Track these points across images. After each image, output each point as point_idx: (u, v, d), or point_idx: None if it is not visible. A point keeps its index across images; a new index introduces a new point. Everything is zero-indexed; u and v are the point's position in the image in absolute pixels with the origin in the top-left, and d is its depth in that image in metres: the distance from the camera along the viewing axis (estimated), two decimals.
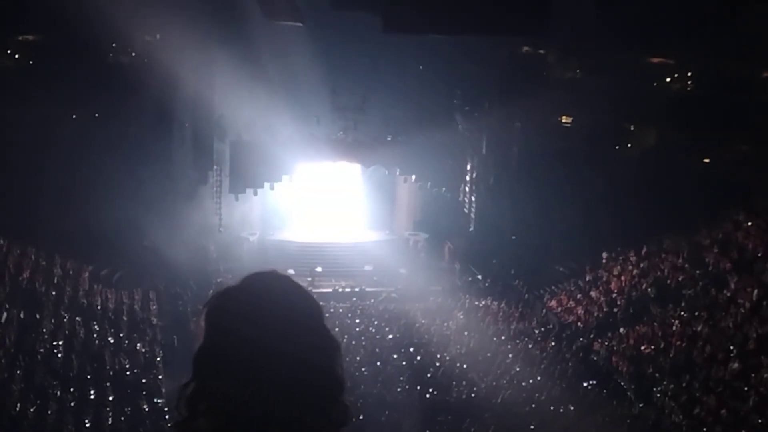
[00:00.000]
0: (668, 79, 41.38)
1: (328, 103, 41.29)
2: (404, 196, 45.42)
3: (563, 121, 44.66)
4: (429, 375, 29.93)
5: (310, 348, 2.31)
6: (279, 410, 2.25)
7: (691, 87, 40.77)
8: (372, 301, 38.11)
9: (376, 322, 35.16)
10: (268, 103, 40.02)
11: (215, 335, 2.31)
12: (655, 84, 41.03)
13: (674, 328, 30.38)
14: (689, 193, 35.67)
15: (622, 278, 35.71)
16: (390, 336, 33.73)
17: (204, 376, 2.30)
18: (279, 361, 2.25)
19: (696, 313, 30.43)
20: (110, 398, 26.26)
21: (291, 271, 38.64)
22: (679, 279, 33.34)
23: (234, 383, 2.25)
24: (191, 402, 2.29)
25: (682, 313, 31.02)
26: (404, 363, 31.01)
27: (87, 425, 24.79)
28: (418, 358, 31.62)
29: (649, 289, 33.98)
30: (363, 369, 30.00)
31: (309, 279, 39.78)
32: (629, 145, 42.88)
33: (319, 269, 40.57)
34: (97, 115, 40.28)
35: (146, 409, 26.24)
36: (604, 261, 37.49)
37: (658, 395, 27.33)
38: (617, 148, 42.60)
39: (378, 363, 30.60)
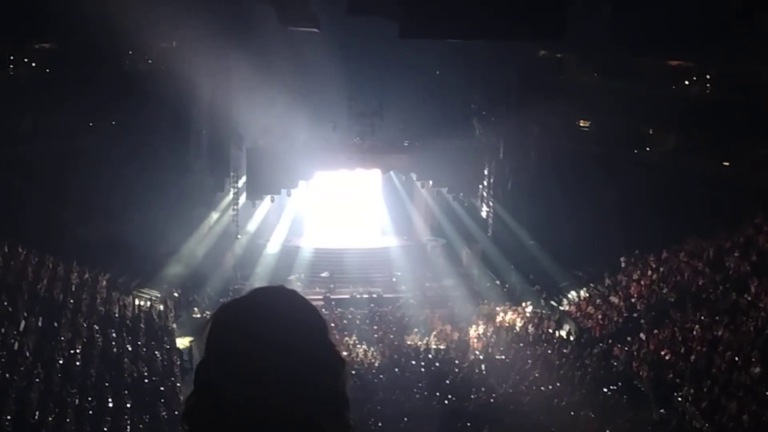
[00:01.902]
0: (687, 83, 41.05)
1: (344, 109, 41.20)
2: (421, 202, 45.29)
3: (581, 125, 44.44)
4: (447, 381, 29.82)
5: (313, 364, 2.23)
6: (281, 428, 2.19)
7: (710, 90, 40.42)
8: (390, 307, 38.01)
9: (394, 329, 35.07)
10: (285, 110, 40.05)
11: (216, 350, 2.25)
12: (673, 87, 40.70)
13: (695, 332, 30.17)
14: (709, 196, 35.43)
15: (642, 283, 35.51)
16: (408, 342, 33.65)
17: (204, 390, 2.25)
18: (281, 377, 2.18)
19: (717, 318, 30.20)
20: (128, 406, 26.27)
21: (297, 283, 38.92)
22: (700, 283, 33.13)
23: (234, 398, 2.19)
24: (192, 416, 2.25)
25: (703, 317, 30.80)
26: (422, 369, 30.94)
27: None
28: (437, 364, 31.53)
29: (669, 294, 33.78)
30: (381, 375, 29.96)
31: (331, 286, 39.84)
32: (648, 149, 42.59)
33: (325, 274, 40.58)
34: (114, 122, 40.39)
35: (165, 417, 26.23)
36: (623, 265, 37.28)
37: (679, 400, 27.16)
38: (635, 152, 42.31)
39: (396, 369, 30.52)
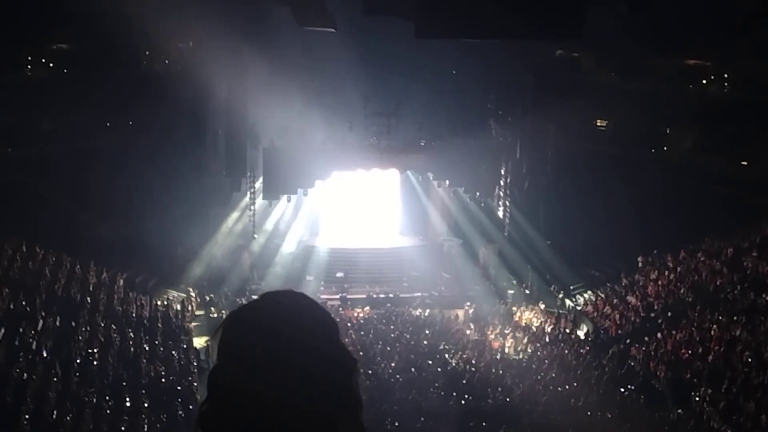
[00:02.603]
0: (704, 82, 40.95)
1: (360, 109, 41.15)
2: (438, 201, 45.22)
3: (598, 124, 44.36)
4: (464, 381, 29.76)
5: (326, 364, 2.24)
6: (297, 429, 2.19)
7: (727, 89, 40.30)
8: (407, 307, 38.00)
9: (411, 328, 35.06)
10: (301, 110, 40.11)
11: (229, 355, 2.26)
12: (690, 87, 40.62)
13: (712, 332, 30.04)
14: (726, 196, 35.33)
15: (659, 282, 35.38)
16: (425, 342, 33.62)
17: (217, 396, 2.25)
18: (295, 379, 2.19)
19: (735, 317, 30.09)
20: (145, 405, 26.34)
21: (313, 282, 39.02)
22: (717, 283, 33.02)
23: (250, 402, 2.20)
24: (207, 421, 2.25)
25: (721, 317, 30.68)
26: (439, 369, 30.89)
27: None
28: (453, 363, 31.48)
29: (687, 294, 33.66)
30: (398, 375, 29.94)
31: (347, 285, 39.88)
32: (665, 149, 42.47)
33: (340, 274, 40.62)
34: (131, 123, 40.57)
35: (181, 416, 26.30)
36: (640, 265, 37.19)
37: (697, 400, 27.02)
38: (653, 151, 42.20)
39: (413, 369, 30.50)
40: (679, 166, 39.41)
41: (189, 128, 39.34)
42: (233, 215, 42.47)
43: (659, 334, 31.64)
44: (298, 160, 39.62)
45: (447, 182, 43.62)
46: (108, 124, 40.72)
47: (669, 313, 32.99)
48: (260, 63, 37.27)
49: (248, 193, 41.80)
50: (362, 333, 34.20)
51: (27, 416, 23.85)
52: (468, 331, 35.42)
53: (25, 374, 25.71)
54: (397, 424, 25.00)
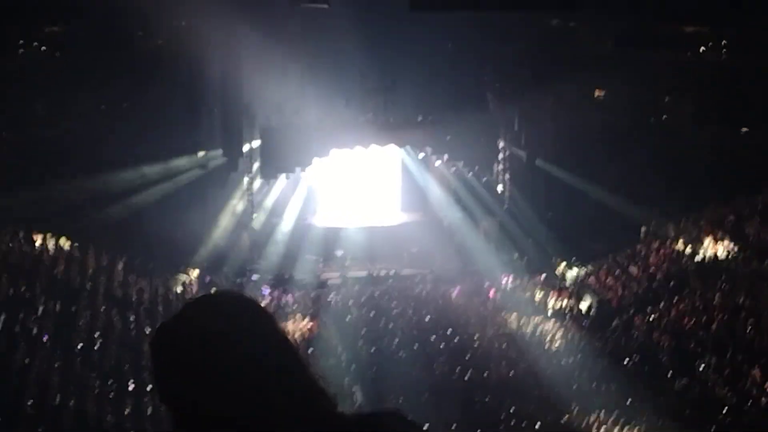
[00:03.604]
0: (702, 49, 40.63)
1: (357, 85, 40.90)
2: (438, 177, 45.01)
3: (596, 95, 44.10)
4: (468, 356, 29.70)
5: (273, 355, 2.14)
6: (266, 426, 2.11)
7: (726, 55, 39.99)
8: (408, 283, 37.88)
9: (413, 305, 34.97)
10: (297, 87, 39.87)
11: (163, 372, 2.18)
12: (689, 54, 40.32)
13: (716, 301, 29.98)
14: (728, 163, 35.17)
15: (661, 252, 35.30)
16: (427, 318, 33.53)
17: (179, 410, 2.17)
18: (247, 378, 2.10)
19: (737, 285, 30.02)
20: (148, 389, 26.28)
21: (311, 257, 38.97)
22: (720, 251, 32.95)
23: (209, 411, 2.11)
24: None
25: (724, 285, 30.62)
26: (442, 345, 30.83)
27: (127, 414, 24.86)
28: (456, 339, 31.40)
29: (689, 263, 33.60)
30: (401, 352, 29.91)
31: (347, 264, 39.79)
32: (664, 117, 42.19)
33: (340, 252, 40.59)
34: (125, 104, 40.31)
35: None
36: (642, 235, 37.11)
37: (701, 369, 26.95)
38: (652, 120, 41.94)
39: (416, 345, 30.45)
40: (679, 134, 39.21)
41: (184, 108, 39.16)
42: (231, 195, 42.26)
43: (662, 304, 31.60)
44: (296, 138, 39.43)
45: (446, 156, 43.46)
46: (103, 107, 40.38)
47: (672, 283, 32.92)
48: (255, 41, 36.97)
49: (245, 172, 41.59)
50: (365, 310, 34.17)
51: (30, 401, 23.81)
52: (470, 306, 35.32)
53: (27, 359, 25.65)
54: (401, 400, 24.95)
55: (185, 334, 2.10)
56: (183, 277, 37.16)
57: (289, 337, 2.22)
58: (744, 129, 38.79)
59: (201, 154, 40.38)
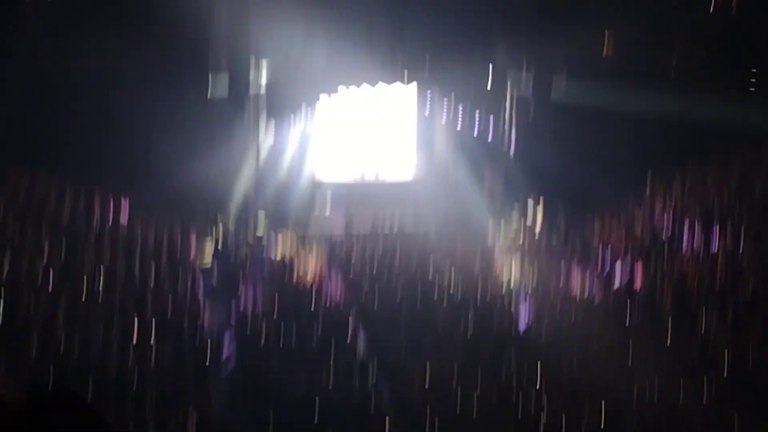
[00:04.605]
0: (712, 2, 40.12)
1: (364, 25, 40.44)
2: (442, 131, 44.58)
3: (605, 45, 43.62)
4: (470, 313, 29.75)
5: None
6: None
7: (733, 11, 39.50)
8: (412, 241, 37.81)
9: (416, 263, 34.96)
10: (304, 28, 39.38)
11: None
12: (694, 8, 39.85)
13: (719, 255, 30.02)
14: (733, 118, 34.95)
15: (666, 208, 35.26)
16: (429, 276, 33.55)
17: None
18: None
19: (742, 240, 29.98)
20: (152, 336, 26.47)
21: (314, 213, 38.95)
22: (725, 206, 32.92)
23: None
24: None
25: (728, 239, 30.62)
26: (445, 303, 30.89)
27: (130, 364, 25.05)
28: (459, 296, 31.48)
29: (694, 219, 33.57)
30: (403, 308, 30.04)
31: (352, 221, 39.69)
32: (672, 73, 41.77)
33: (344, 209, 40.46)
34: (128, 51, 39.98)
35: (189, 347, 26.53)
36: (647, 193, 37.01)
37: (705, 326, 27.05)
38: (662, 72, 41.49)
39: (417, 304, 30.56)
40: (685, 89, 38.86)
41: (189, 54, 38.85)
42: (237, 143, 41.95)
43: (665, 261, 31.62)
44: (302, 75, 39.11)
45: (453, 94, 42.81)
46: (106, 54, 40.09)
47: (675, 240, 32.93)
48: None
49: (252, 122, 41.25)
50: (367, 267, 34.23)
51: (35, 349, 24.07)
52: (474, 262, 35.32)
53: (31, 307, 25.84)
54: (403, 359, 25.19)
55: None
56: (187, 224, 36.90)
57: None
58: (752, 80, 38.45)
59: (208, 98, 40.02)
